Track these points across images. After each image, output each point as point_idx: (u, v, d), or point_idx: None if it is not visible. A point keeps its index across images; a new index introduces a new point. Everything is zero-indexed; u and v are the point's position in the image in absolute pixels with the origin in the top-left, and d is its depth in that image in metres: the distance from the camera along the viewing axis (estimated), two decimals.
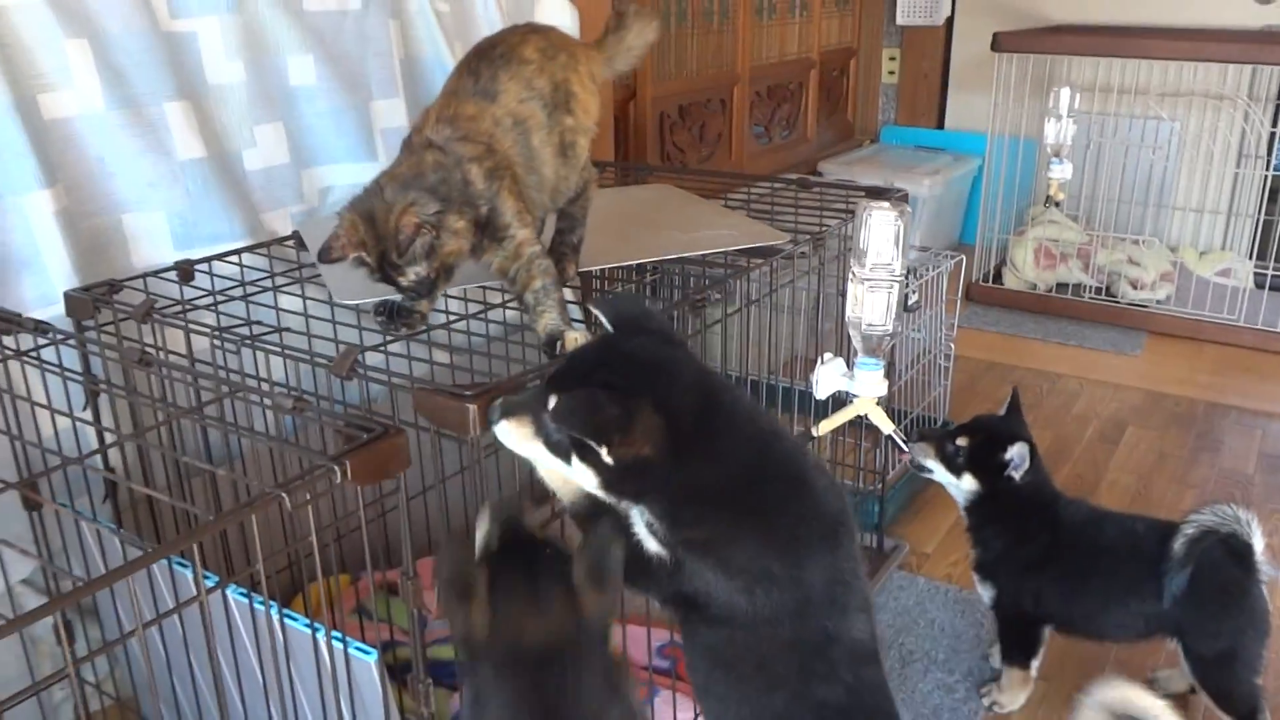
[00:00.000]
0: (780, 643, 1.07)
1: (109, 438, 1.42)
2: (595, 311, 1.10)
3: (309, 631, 1.10)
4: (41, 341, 1.29)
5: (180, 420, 1.26)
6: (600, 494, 1.02)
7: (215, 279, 1.54)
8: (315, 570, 0.99)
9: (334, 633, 1.08)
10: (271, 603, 1.03)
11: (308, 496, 0.96)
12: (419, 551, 1.20)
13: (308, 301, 1.51)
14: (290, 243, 1.70)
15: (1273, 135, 3.58)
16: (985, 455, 1.68)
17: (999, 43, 3.47)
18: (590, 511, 1.09)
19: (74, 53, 1.48)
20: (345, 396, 1.52)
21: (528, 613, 0.94)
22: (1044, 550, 1.68)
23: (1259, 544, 1.56)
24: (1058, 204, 3.47)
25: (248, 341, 1.31)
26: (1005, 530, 1.71)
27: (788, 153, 3.91)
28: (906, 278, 1.40)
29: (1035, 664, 1.73)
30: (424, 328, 1.36)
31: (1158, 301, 3.45)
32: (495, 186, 1.27)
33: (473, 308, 1.45)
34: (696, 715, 1.40)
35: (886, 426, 1.43)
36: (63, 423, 1.36)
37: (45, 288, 1.47)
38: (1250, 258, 3.59)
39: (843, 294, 1.47)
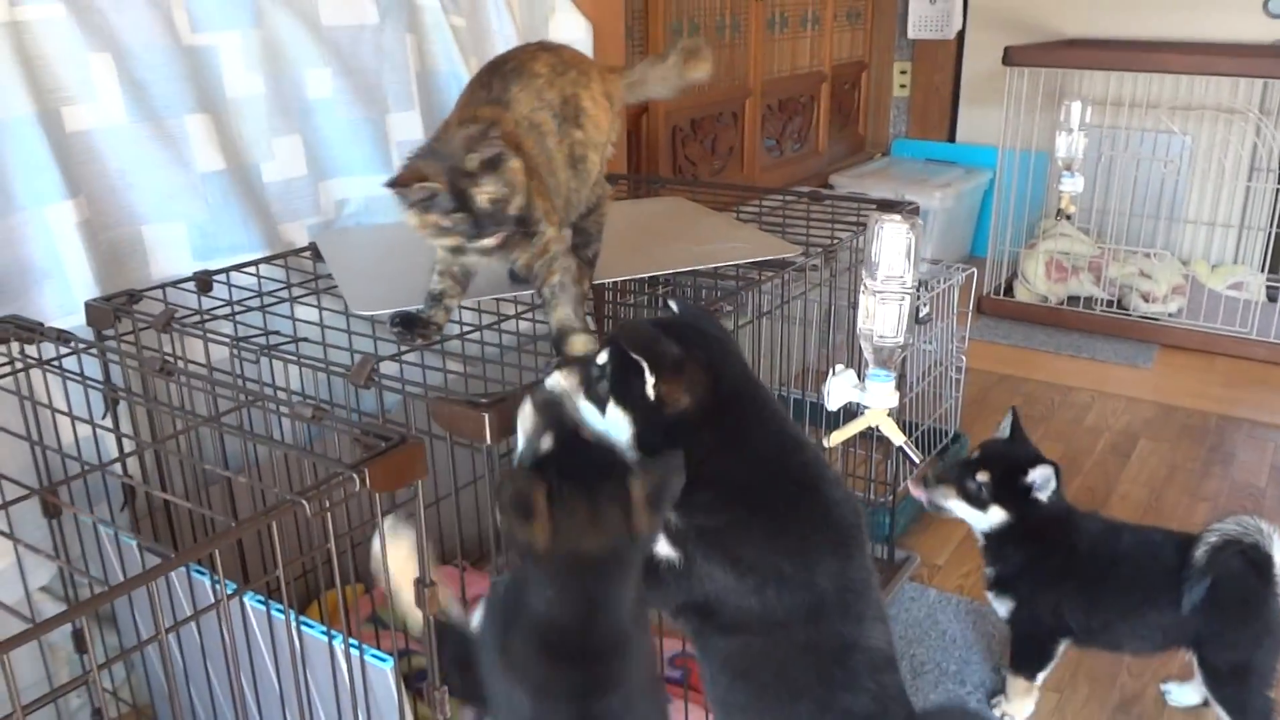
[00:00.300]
0: (797, 648, 1.08)
1: (128, 445, 1.43)
2: (670, 302, 1.20)
3: (325, 639, 1.11)
4: (63, 350, 1.31)
5: (199, 429, 1.27)
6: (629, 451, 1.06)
7: (233, 289, 1.56)
8: (333, 577, 1.00)
9: (350, 640, 1.09)
10: (290, 609, 1.05)
11: (326, 504, 0.97)
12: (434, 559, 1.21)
13: (324, 312, 1.53)
14: (307, 254, 1.72)
15: None
16: (1009, 484, 1.65)
17: (1010, 56, 3.48)
18: None
19: (97, 66, 1.50)
20: (360, 406, 1.53)
21: (586, 529, 0.98)
22: (1063, 563, 1.66)
23: (1279, 556, 1.55)
24: (1069, 217, 3.48)
25: (265, 351, 1.33)
26: (1025, 547, 1.68)
27: (799, 166, 3.92)
28: (918, 290, 1.41)
29: (1042, 675, 1.73)
30: (439, 338, 1.38)
31: (1169, 315, 3.45)
32: (528, 184, 1.27)
33: (486, 319, 1.46)
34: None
35: (897, 438, 1.43)
36: (83, 430, 1.38)
37: (66, 297, 1.49)
38: (1262, 271, 3.59)
39: (854, 306, 1.47)
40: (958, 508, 1.70)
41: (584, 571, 0.99)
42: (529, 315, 1.49)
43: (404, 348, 1.34)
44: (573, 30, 2.22)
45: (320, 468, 1.01)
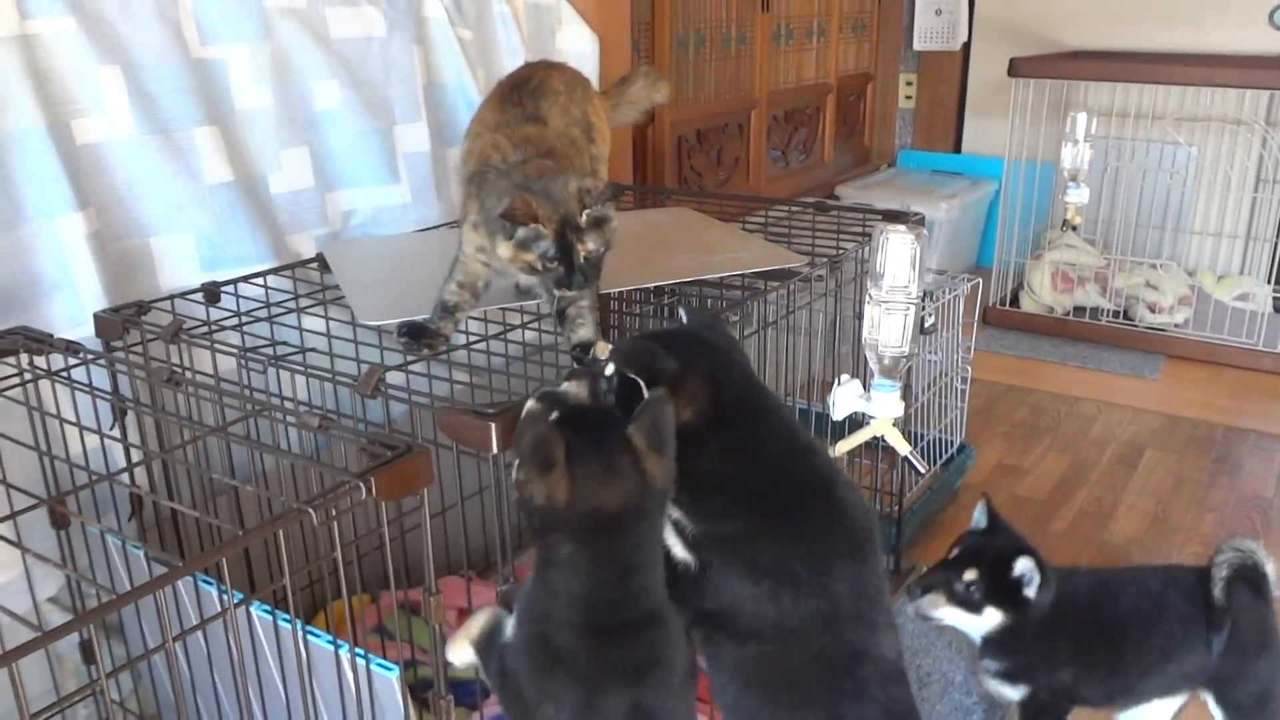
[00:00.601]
0: (809, 658, 1.07)
1: (136, 455, 1.44)
2: (680, 310, 1.21)
3: (331, 648, 1.11)
4: (71, 361, 1.32)
5: (206, 439, 1.28)
6: None
7: (241, 300, 1.57)
8: (340, 587, 1.01)
9: (356, 649, 1.09)
10: (296, 619, 1.05)
11: (332, 513, 0.97)
12: (438, 570, 1.21)
13: (331, 322, 1.54)
14: (314, 265, 1.73)
15: None
16: (1001, 579, 1.50)
17: (1016, 68, 3.48)
18: None
19: (107, 79, 1.51)
20: (367, 416, 1.54)
21: (603, 481, 0.97)
22: (1074, 642, 1.54)
23: (1272, 572, 1.52)
24: (1075, 228, 3.47)
25: (273, 361, 1.33)
26: (1032, 638, 1.54)
27: (805, 177, 3.93)
28: (923, 300, 1.41)
29: None
30: (445, 348, 1.38)
31: (1176, 325, 3.44)
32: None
33: (493, 329, 1.47)
34: None
35: (903, 448, 1.43)
36: (91, 441, 1.38)
37: (75, 309, 1.50)
38: (1269, 282, 3.58)
39: (859, 316, 1.48)
40: (950, 616, 1.54)
41: (609, 528, 0.98)
42: (535, 325, 1.49)
43: (410, 358, 1.35)
44: (580, 42, 2.23)
45: (327, 477, 1.01)
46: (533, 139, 1.33)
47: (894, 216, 1.81)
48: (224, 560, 0.93)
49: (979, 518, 1.60)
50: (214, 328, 1.47)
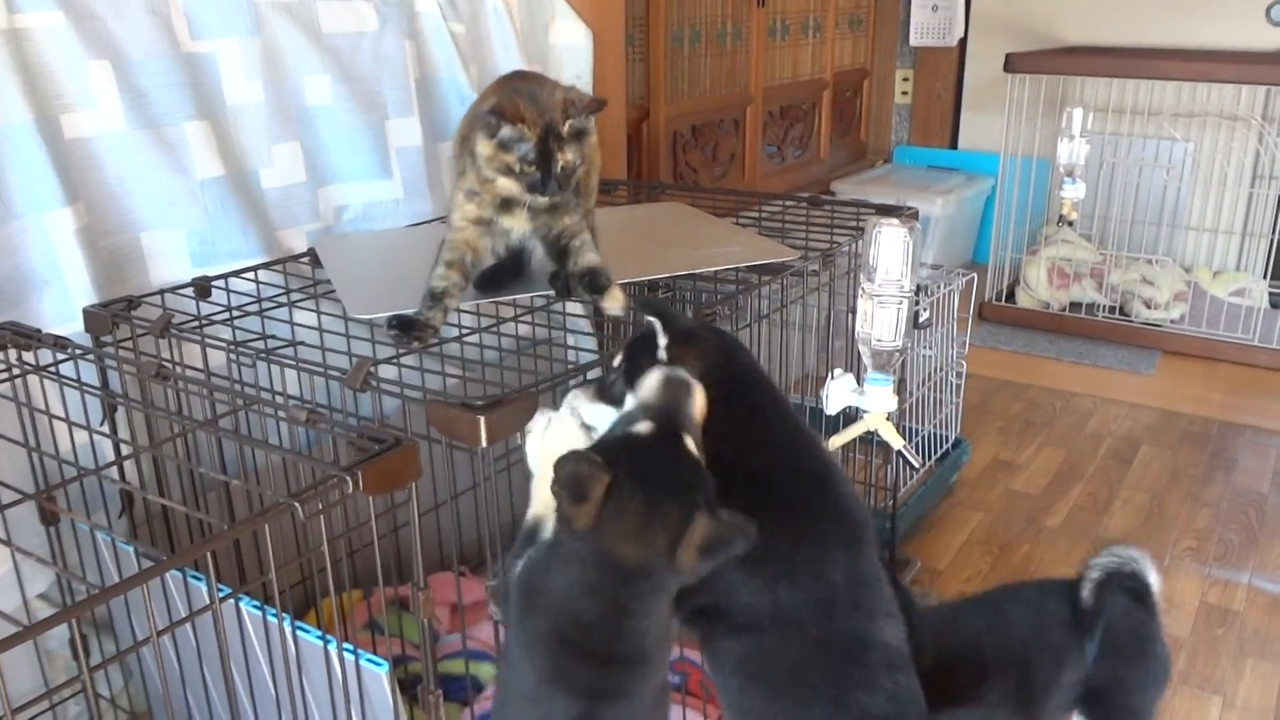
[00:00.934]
0: (810, 646, 1.06)
1: (126, 450, 1.43)
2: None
3: (320, 643, 1.11)
4: (60, 357, 1.31)
5: (196, 433, 1.28)
6: None
7: (232, 295, 1.56)
8: (328, 583, 1.00)
9: (345, 644, 1.08)
10: (284, 614, 1.04)
11: (320, 506, 0.97)
12: (430, 566, 1.21)
13: (322, 317, 1.53)
14: (305, 259, 1.72)
15: None
16: None
17: (1012, 63, 3.48)
18: None
19: (96, 74, 1.50)
20: (358, 410, 1.53)
21: (629, 538, 0.94)
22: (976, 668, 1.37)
23: (1155, 584, 1.45)
24: (1071, 223, 3.46)
25: (263, 355, 1.33)
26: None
27: (800, 172, 3.93)
28: (917, 295, 1.41)
29: None
30: (436, 341, 1.38)
31: (1171, 321, 3.44)
32: (592, 165, 1.39)
33: (484, 321, 1.46)
34: None
35: (896, 442, 1.43)
36: (80, 437, 1.38)
37: (65, 304, 1.49)
38: (1265, 278, 3.58)
39: (853, 310, 1.47)
40: None
41: (612, 572, 0.95)
42: (527, 319, 1.49)
43: (401, 350, 1.34)
44: (573, 37, 2.22)
45: (314, 471, 1.01)
46: (523, 92, 1.34)
47: (888, 211, 1.81)
48: (210, 554, 0.92)
49: None
50: (204, 323, 1.47)
